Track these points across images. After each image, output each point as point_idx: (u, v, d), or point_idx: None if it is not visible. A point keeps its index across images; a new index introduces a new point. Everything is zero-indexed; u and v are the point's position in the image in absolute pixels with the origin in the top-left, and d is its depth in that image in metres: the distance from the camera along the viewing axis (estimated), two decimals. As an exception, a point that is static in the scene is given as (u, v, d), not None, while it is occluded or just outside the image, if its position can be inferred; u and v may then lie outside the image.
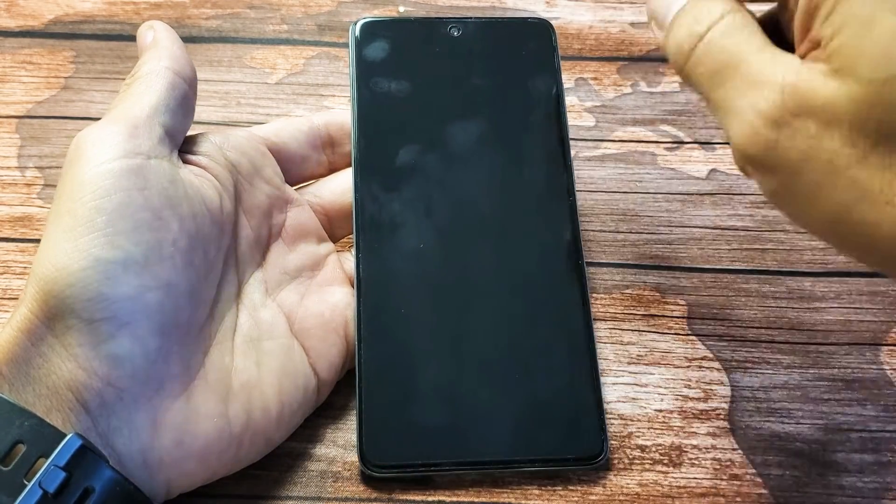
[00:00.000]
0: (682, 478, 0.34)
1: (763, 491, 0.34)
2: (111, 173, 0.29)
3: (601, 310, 0.38)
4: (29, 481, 0.25)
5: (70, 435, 0.26)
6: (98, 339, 0.28)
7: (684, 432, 0.35)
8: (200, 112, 0.43)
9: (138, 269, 0.28)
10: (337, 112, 0.39)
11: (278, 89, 0.45)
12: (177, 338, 0.30)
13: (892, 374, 0.37)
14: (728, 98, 0.28)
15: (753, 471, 0.34)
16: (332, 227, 0.38)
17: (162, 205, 0.30)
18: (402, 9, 0.48)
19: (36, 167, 0.42)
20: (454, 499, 0.33)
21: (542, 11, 0.48)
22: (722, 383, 0.37)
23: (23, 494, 0.25)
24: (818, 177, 0.26)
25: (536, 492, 0.34)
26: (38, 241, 0.29)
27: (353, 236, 0.36)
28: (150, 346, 0.29)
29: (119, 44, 0.46)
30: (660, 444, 0.35)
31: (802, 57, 0.26)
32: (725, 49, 0.28)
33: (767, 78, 0.26)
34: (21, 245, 0.39)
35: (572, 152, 0.43)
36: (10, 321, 0.28)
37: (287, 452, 0.34)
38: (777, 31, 0.29)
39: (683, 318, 0.38)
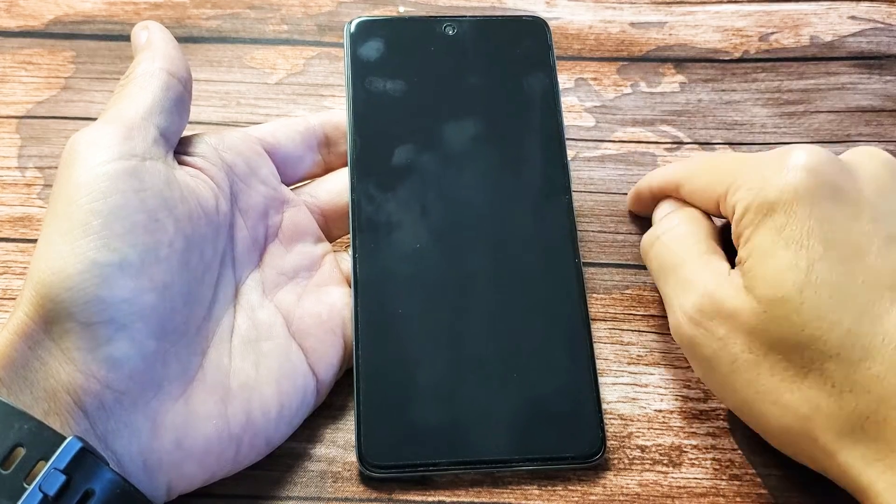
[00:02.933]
0: (682, 478, 0.34)
1: (763, 491, 0.34)
2: (106, 176, 0.29)
3: (601, 310, 0.38)
4: (29, 485, 0.26)
5: (70, 438, 0.26)
6: (95, 343, 0.28)
7: (684, 432, 0.35)
8: (200, 112, 0.43)
9: (134, 271, 0.28)
10: (333, 112, 0.39)
11: (278, 89, 0.45)
12: (174, 339, 0.30)
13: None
14: (668, 293, 0.34)
15: (753, 471, 0.34)
16: (328, 227, 0.38)
17: (158, 207, 0.30)
18: (402, 9, 0.48)
19: (36, 167, 0.42)
20: (454, 499, 0.33)
21: (542, 11, 0.48)
22: (722, 383, 0.37)
23: (23, 498, 0.25)
24: (725, 373, 0.32)
25: (536, 492, 0.34)
26: (37, 241, 0.29)
27: (350, 236, 0.36)
28: (147, 349, 0.29)
29: (119, 44, 0.46)
30: (660, 445, 0.35)
31: (740, 262, 0.32)
32: (671, 250, 0.35)
33: (695, 282, 0.33)
34: (21, 245, 0.39)
35: (573, 153, 0.43)
36: (6, 325, 0.28)
37: (287, 453, 0.34)
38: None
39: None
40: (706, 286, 0.32)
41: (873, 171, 0.32)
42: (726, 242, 0.34)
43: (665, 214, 0.37)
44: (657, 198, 0.38)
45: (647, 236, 0.36)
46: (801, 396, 0.29)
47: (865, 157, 0.33)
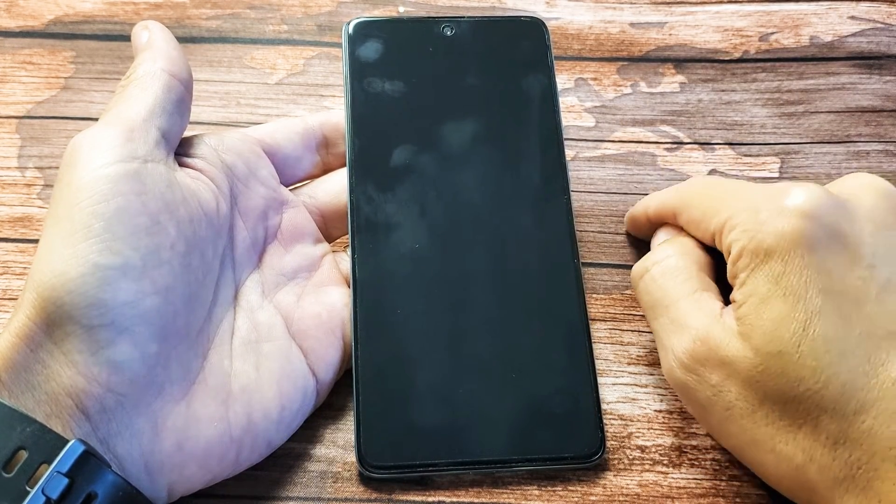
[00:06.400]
0: (682, 478, 0.34)
1: (762, 491, 0.34)
2: (108, 178, 0.29)
3: (601, 310, 0.38)
4: (32, 488, 0.26)
5: (73, 441, 0.26)
6: (97, 346, 0.28)
7: (684, 433, 0.35)
8: (200, 112, 0.43)
9: (136, 274, 0.28)
10: (331, 112, 0.39)
11: (278, 89, 0.45)
12: (175, 342, 0.30)
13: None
14: (659, 332, 0.34)
15: (753, 471, 0.34)
16: (327, 227, 0.38)
17: (159, 209, 0.30)
18: (401, 9, 0.48)
19: (36, 167, 0.42)
20: (454, 499, 0.33)
21: (542, 12, 0.48)
22: (721, 384, 0.37)
23: (26, 501, 0.25)
24: (719, 419, 0.31)
25: (536, 492, 0.34)
26: (37, 241, 0.29)
27: (349, 237, 0.36)
28: (149, 352, 0.29)
29: (119, 44, 0.46)
30: (660, 445, 0.35)
31: (734, 302, 0.31)
32: (661, 287, 0.34)
33: (687, 325, 0.32)
34: (21, 245, 0.40)
35: (572, 153, 0.43)
36: (8, 327, 0.28)
37: (287, 453, 0.34)
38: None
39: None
40: (698, 330, 0.31)
41: (871, 207, 0.31)
42: (721, 271, 0.34)
43: (659, 243, 0.36)
44: (655, 224, 0.38)
45: (637, 267, 0.35)
46: (796, 447, 0.29)
47: (864, 191, 0.32)
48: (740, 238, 0.31)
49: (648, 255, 0.35)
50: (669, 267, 0.34)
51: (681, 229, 0.36)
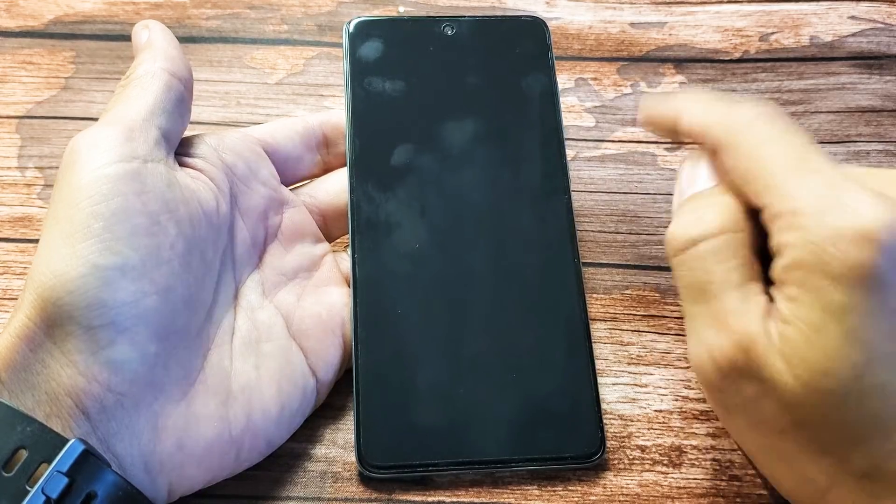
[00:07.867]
0: (682, 478, 0.34)
1: (763, 491, 0.34)
2: (108, 178, 0.29)
3: (601, 310, 0.38)
4: (32, 487, 0.26)
5: (73, 440, 0.26)
6: (97, 346, 0.28)
7: (684, 433, 0.35)
8: (200, 112, 0.43)
9: (136, 274, 0.28)
10: (332, 112, 0.39)
11: (278, 89, 0.45)
12: (175, 342, 0.30)
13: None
14: (694, 319, 0.30)
15: (753, 471, 0.34)
16: (327, 227, 0.38)
17: (159, 209, 0.30)
18: (401, 9, 0.48)
19: (36, 167, 0.42)
20: (454, 499, 0.33)
21: (542, 11, 0.48)
22: (721, 384, 0.37)
23: (26, 500, 0.25)
24: (747, 425, 0.30)
25: (536, 492, 0.34)
26: (37, 241, 0.29)
27: (349, 236, 0.36)
28: (149, 351, 0.29)
29: (119, 44, 0.46)
30: (660, 445, 0.35)
31: (778, 316, 0.28)
32: (709, 270, 0.29)
33: (731, 326, 0.28)
34: (21, 245, 0.40)
35: (573, 153, 0.43)
36: (7, 327, 0.28)
37: (287, 453, 0.34)
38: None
39: (683, 318, 0.38)
40: (741, 338, 0.28)
41: None
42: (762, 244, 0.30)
43: (703, 206, 0.30)
44: (686, 137, 0.32)
45: (681, 233, 0.30)
46: (821, 470, 0.28)
47: None
48: (800, 245, 0.26)
49: (693, 214, 0.30)
50: (721, 246, 0.29)
51: (722, 175, 0.31)
